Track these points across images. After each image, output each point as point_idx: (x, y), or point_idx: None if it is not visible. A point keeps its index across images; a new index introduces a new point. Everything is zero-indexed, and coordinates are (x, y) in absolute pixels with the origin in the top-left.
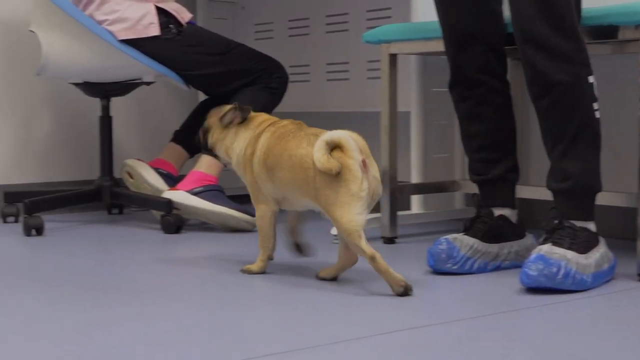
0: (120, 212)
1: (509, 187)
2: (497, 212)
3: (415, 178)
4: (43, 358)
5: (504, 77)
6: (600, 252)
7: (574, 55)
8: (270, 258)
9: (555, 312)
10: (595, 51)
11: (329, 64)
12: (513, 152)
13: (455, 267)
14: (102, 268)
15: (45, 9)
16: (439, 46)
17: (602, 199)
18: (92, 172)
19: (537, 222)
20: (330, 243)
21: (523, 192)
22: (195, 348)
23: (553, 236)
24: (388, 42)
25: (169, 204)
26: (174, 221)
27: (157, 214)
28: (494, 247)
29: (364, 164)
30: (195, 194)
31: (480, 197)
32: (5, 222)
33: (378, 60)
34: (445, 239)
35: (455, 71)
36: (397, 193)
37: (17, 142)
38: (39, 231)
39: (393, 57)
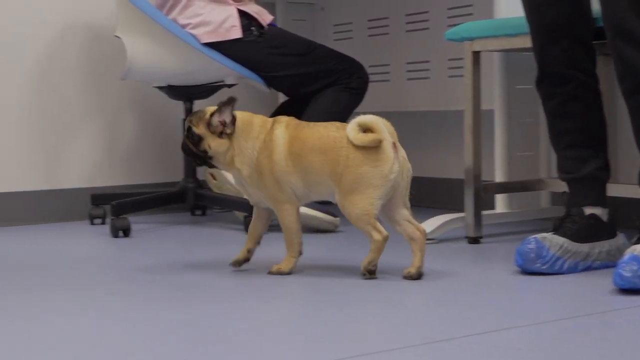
0: (204, 214)
1: (600, 186)
2: (588, 211)
3: (499, 177)
4: (134, 358)
5: (594, 72)
6: None
7: None
8: (300, 253)
9: None
10: None
11: (409, 62)
12: (604, 150)
13: (544, 267)
14: (187, 269)
15: (130, 15)
16: (524, 42)
17: None
18: (176, 174)
19: (628, 222)
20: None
21: (612, 190)
22: (283, 346)
23: None
24: (471, 39)
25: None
26: None
27: (239, 215)
28: (584, 247)
29: (393, 145)
30: None
31: (570, 196)
32: (92, 223)
33: (459, 59)
34: (534, 238)
35: (542, 67)
36: (481, 192)
37: (103, 145)
38: (126, 232)
39: (476, 55)
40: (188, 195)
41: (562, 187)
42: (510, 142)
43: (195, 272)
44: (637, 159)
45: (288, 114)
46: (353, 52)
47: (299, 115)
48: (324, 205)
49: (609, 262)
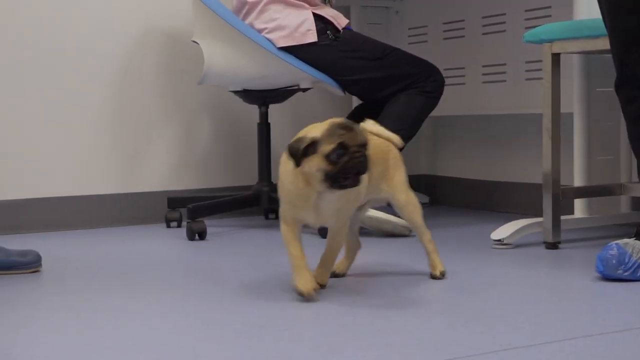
0: (277, 217)
1: None
2: None
3: (578, 181)
4: (215, 358)
5: None
6: None
7: None
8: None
9: None
10: None
11: (485, 65)
12: None
13: (626, 273)
14: (262, 272)
15: (208, 20)
16: (604, 44)
17: None
18: (250, 178)
19: None
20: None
21: None
22: (361, 352)
23: None
24: (550, 41)
25: None
26: None
27: None
28: None
29: None
30: None
31: None
32: (168, 226)
33: (537, 61)
34: (616, 244)
35: (622, 71)
36: (559, 197)
37: (179, 149)
38: (202, 235)
39: (556, 57)
40: (262, 198)
41: None
42: (589, 145)
43: (268, 275)
44: None
45: (362, 118)
46: (428, 55)
47: (374, 119)
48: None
49: None
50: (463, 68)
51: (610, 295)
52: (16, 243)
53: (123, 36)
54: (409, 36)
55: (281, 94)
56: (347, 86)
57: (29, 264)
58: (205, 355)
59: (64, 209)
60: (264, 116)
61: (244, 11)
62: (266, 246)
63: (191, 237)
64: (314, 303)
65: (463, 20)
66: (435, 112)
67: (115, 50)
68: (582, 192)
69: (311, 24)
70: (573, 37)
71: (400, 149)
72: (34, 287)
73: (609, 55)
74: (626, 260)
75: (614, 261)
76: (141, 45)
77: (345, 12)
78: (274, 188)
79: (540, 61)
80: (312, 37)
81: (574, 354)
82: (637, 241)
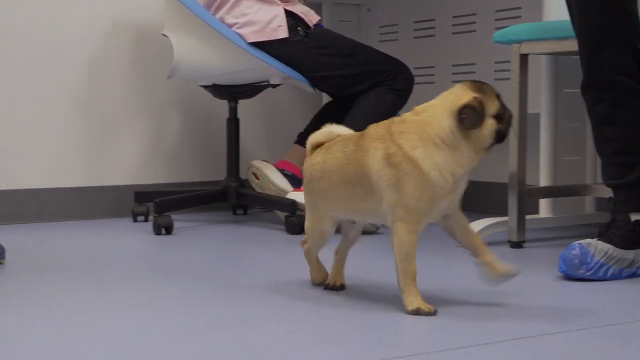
0: (245, 213)
1: None
2: (634, 217)
3: (544, 181)
4: (179, 352)
5: (639, 76)
6: None
7: None
8: None
9: None
10: None
11: (455, 65)
12: None
13: (588, 273)
14: (228, 267)
15: (178, 14)
16: (574, 45)
17: None
18: (218, 173)
19: None
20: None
21: None
22: (323, 346)
23: None
24: (519, 42)
25: (293, 205)
26: (298, 222)
27: (281, 214)
28: (629, 254)
29: None
30: None
31: (616, 202)
32: (135, 220)
33: (506, 61)
34: (579, 244)
35: (589, 72)
36: (525, 196)
37: (148, 143)
38: (169, 230)
39: (524, 58)
40: (230, 194)
41: (608, 192)
42: (555, 146)
43: (234, 270)
44: None
45: (332, 115)
46: (399, 53)
47: (343, 116)
48: None
49: None
50: (433, 67)
51: (571, 295)
52: None
53: (92, 28)
54: (380, 34)
55: (251, 90)
56: (317, 82)
57: None
58: (170, 349)
59: (31, 202)
60: (233, 111)
61: (214, 5)
62: (233, 241)
63: (158, 232)
64: (278, 298)
65: (434, 20)
66: (404, 110)
67: (83, 42)
68: (547, 192)
69: (282, 19)
70: (541, 38)
71: None
72: None
73: (577, 57)
74: (588, 260)
75: (576, 261)
76: (110, 37)
77: (317, 9)
78: (241, 183)
79: (509, 61)
80: (283, 33)
81: (537, 351)
82: (599, 242)
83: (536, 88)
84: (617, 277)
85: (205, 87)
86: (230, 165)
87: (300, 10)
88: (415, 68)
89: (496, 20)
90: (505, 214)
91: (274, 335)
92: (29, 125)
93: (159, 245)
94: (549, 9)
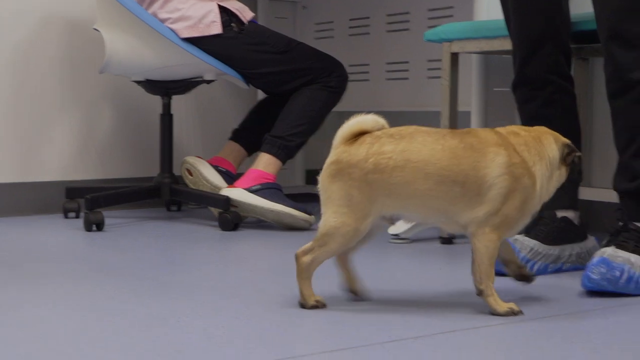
0: (179, 209)
1: (572, 189)
2: (560, 213)
3: None
4: (106, 350)
5: (570, 76)
6: None
7: None
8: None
9: (617, 315)
10: None
11: (388, 63)
12: None
13: None
14: (160, 264)
15: (110, 8)
16: (503, 45)
17: None
18: (151, 169)
19: (599, 225)
20: None
21: (586, 193)
22: (252, 344)
23: (617, 239)
24: (450, 40)
25: (227, 202)
26: (232, 218)
27: (215, 211)
28: (555, 250)
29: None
30: (253, 191)
31: None
32: (66, 217)
33: (438, 60)
34: (506, 240)
35: (521, 71)
36: None
37: (79, 139)
38: (100, 226)
39: (455, 56)
40: (163, 190)
41: None
42: None
43: (166, 267)
44: (611, 162)
45: (266, 112)
46: (334, 51)
47: (277, 113)
48: (300, 204)
49: (579, 265)
50: (367, 65)
51: (497, 290)
52: None
53: (21, 20)
54: (316, 31)
55: (184, 85)
56: (251, 79)
57: None
58: (100, 347)
59: None
60: (167, 107)
61: (147, 0)
62: (166, 238)
63: (88, 228)
64: (209, 295)
65: (368, 18)
66: (338, 108)
67: (13, 35)
68: None
69: (216, 15)
70: (472, 37)
71: (302, 144)
72: None
73: (507, 56)
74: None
75: None
76: (41, 31)
77: (252, 5)
78: (175, 179)
79: (441, 60)
80: (217, 29)
81: (463, 344)
82: (525, 238)
83: (467, 86)
84: (542, 272)
85: (138, 82)
86: (164, 161)
87: (235, 6)
88: (349, 65)
89: (429, 19)
90: None
91: (201, 333)
92: None
93: (89, 242)
94: (480, 9)
